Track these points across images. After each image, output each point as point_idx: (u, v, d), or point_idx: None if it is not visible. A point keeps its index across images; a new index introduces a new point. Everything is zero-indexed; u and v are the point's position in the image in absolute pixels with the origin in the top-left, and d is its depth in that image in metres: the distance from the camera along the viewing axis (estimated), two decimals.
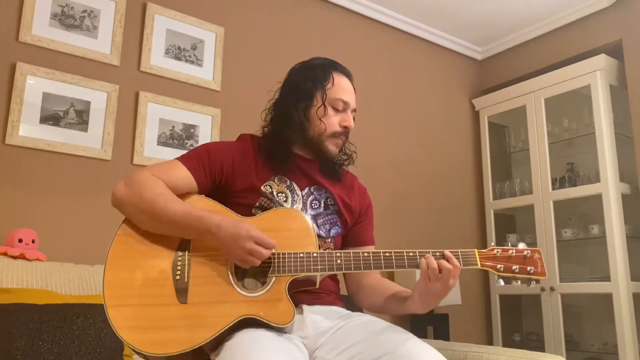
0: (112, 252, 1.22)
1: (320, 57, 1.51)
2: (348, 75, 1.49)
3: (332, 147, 1.43)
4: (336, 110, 1.43)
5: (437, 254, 1.27)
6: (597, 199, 3.18)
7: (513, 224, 3.95)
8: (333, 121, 1.42)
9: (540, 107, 3.53)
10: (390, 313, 1.44)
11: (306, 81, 1.43)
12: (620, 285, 3.01)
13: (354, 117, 1.47)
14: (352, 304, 1.51)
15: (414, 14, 3.59)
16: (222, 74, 2.83)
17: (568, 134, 3.52)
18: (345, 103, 1.43)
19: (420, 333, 3.05)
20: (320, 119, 1.41)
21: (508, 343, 3.59)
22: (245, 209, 1.33)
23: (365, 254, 1.26)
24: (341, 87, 1.44)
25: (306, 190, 1.43)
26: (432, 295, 1.24)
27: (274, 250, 1.23)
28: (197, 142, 2.68)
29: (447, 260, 1.22)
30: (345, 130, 1.44)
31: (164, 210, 1.21)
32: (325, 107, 1.41)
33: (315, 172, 1.45)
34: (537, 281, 1.31)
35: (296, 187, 1.41)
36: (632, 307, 3.02)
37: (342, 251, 1.27)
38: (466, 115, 3.97)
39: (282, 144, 1.41)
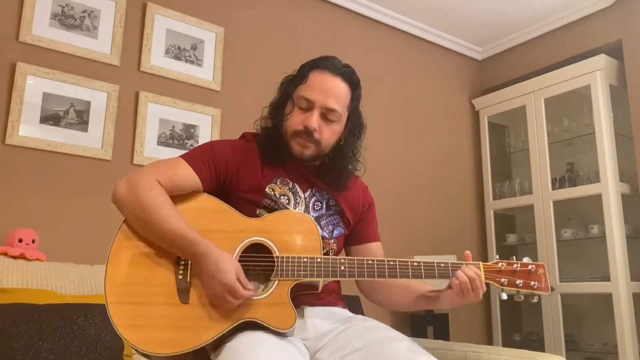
0: (114, 249, 1.21)
1: (323, 56, 1.44)
2: (334, 70, 1.38)
3: (296, 147, 1.37)
4: (301, 108, 1.37)
5: (442, 265, 1.27)
6: (597, 199, 3.18)
7: (513, 224, 3.94)
8: (296, 120, 1.36)
9: (540, 107, 3.53)
10: (414, 310, 1.47)
11: (289, 83, 1.42)
12: (620, 285, 3.01)
13: (329, 115, 1.36)
14: (353, 304, 1.51)
15: (414, 14, 3.59)
16: (222, 74, 2.83)
17: (568, 134, 3.52)
18: (309, 101, 1.35)
19: (420, 333, 3.05)
20: (287, 117, 1.38)
21: (508, 343, 3.59)
22: (250, 209, 1.33)
23: (370, 262, 1.26)
24: (312, 85, 1.37)
25: (308, 192, 1.41)
26: (460, 303, 1.30)
27: (278, 254, 1.23)
28: (197, 142, 2.68)
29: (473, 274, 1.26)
30: (306, 130, 1.35)
31: (157, 224, 1.19)
32: (291, 104, 1.38)
33: (314, 176, 1.42)
34: (539, 297, 1.30)
35: (299, 189, 1.40)
36: (632, 307, 3.02)
37: (347, 257, 1.27)
38: (466, 115, 3.97)
39: (273, 141, 1.40)
